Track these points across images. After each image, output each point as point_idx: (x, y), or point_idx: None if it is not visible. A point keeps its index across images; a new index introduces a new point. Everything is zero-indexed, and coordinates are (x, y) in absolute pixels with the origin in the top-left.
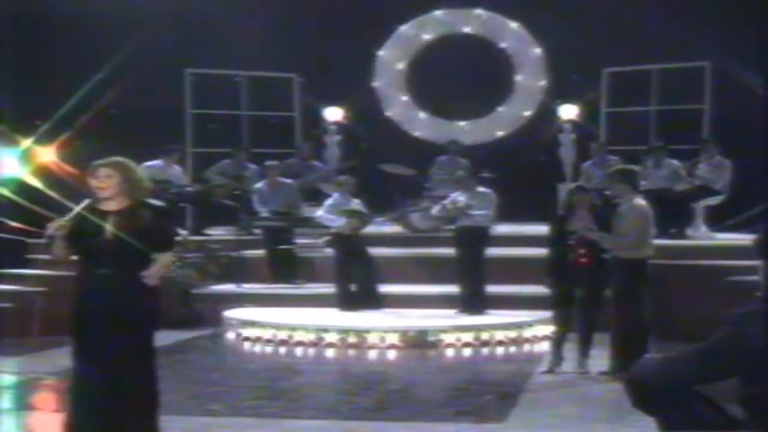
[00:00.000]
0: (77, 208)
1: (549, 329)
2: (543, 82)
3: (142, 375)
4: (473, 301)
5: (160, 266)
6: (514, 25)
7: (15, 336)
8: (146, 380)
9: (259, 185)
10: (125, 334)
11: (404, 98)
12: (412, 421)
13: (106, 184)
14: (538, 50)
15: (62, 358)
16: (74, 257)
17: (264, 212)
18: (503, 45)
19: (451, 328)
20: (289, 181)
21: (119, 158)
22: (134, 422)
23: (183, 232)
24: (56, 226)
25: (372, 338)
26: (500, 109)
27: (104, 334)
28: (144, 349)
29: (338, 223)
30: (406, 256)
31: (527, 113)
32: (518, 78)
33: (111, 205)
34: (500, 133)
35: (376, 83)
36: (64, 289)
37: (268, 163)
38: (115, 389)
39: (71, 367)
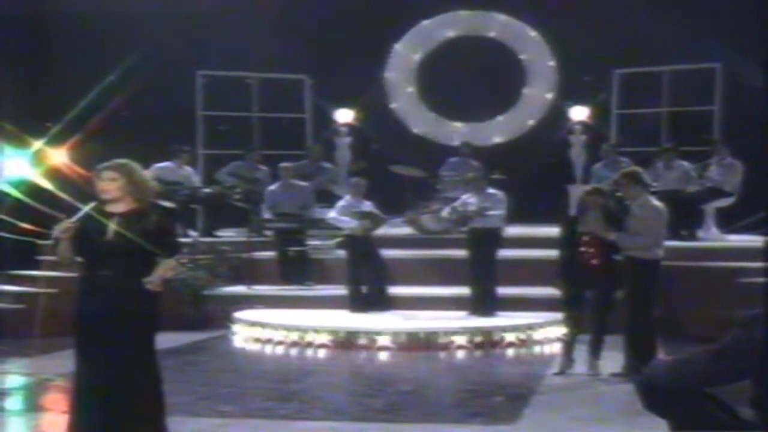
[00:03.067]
0: (83, 210)
1: (560, 331)
2: (550, 95)
3: (143, 376)
4: (484, 303)
5: (163, 271)
6: (533, 33)
7: (24, 337)
8: (148, 382)
9: (272, 187)
10: (126, 335)
11: (410, 90)
12: (423, 422)
13: (111, 187)
14: (552, 62)
15: (71, 359)
16: (78, 259)
17: (270, 215)
18: (522, 56)
19: (462, 329)
20: (303, 183)
21: (123, 160)
22: (137, 424)
23: (194, 233)
24: (62, 228)
25: (383, 340)
26: (501, 118)
27: (105, 336)
28: (145, 350)
29: (350, 224)
30: (416, 258)
31: (530, 122)
32: (526, 90)
33: (117, 207)
34: (498, 140)
35: (387, 74)
36: (74, 291)
37: (282, 164)
38: (116, 391)
39: (74, 367)
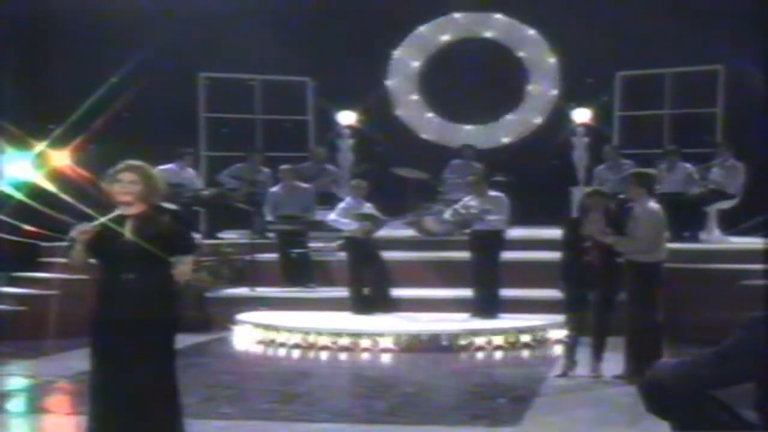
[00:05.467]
0: (105, 218)
1: (562, 333)
2: (554, 92)
3: (163, 379)
4: (487, 305)
5: (185, 267)
6: (532, 32)
7: (28, 339)
8: (167, 384)
9: (275, 189)
10: (148, 338)
11: (414, 97)
12: (426, 424)
13: (130, 190)
14: (552, 59)
15: (75, 361)
16: (92, 262)
17: (272, 217)
18: (520, 54)
19: (465, 331)
20: (305, 185)
21: (140, 163)
22: (155, 427)
23: (197, 235)
24: (80, 230)
25: (385, 342)
26: (508, 117)
27: (127, 339)
28: (165, 352)
29: (351, 226)
30: (419, 260)
31: (536, 121)
32: (530, 87)
33: (129, 210)
34: (506, 140)
35: (389, 81)
36: (77, 293)
37: (283, 166)
38: (135, 393)
39: (89, 371)
